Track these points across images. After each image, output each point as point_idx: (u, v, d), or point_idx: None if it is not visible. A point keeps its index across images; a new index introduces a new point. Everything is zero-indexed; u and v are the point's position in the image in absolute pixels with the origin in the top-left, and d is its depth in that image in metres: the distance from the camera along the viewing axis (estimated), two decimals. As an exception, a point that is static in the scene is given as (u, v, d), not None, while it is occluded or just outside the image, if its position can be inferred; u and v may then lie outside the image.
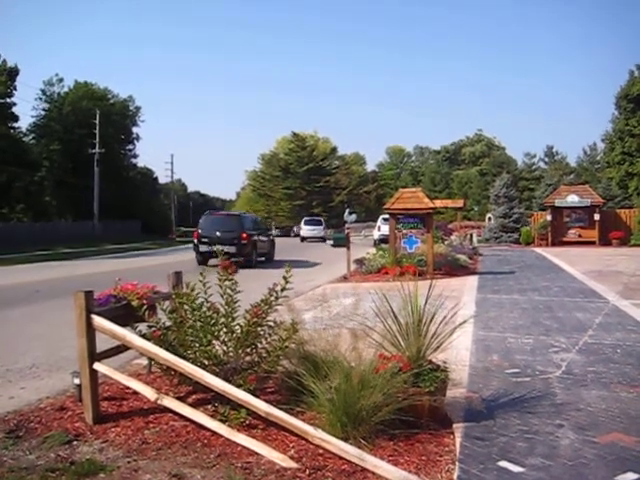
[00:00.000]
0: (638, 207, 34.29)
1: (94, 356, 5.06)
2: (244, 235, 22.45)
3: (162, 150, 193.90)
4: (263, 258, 24.86)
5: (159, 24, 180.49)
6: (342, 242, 24.58)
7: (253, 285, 6.33)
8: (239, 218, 24.40)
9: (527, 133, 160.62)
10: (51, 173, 56.32)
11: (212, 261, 21.01)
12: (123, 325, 5.14)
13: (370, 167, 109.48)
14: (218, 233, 22.19)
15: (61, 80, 62.41)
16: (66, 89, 62.44)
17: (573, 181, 44.21)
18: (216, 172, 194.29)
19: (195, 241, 23.20)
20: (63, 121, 58.08)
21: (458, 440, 4.50)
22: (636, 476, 3.86)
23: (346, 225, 20.61)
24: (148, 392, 5.01)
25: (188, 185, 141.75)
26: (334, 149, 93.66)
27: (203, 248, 22.25)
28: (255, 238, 23.60)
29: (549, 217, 33.57)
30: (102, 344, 5.25)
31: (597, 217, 32.19)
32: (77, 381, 5.26)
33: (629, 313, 10.14)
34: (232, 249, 20.91)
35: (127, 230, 57.06)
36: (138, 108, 68.86)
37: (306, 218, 54.36)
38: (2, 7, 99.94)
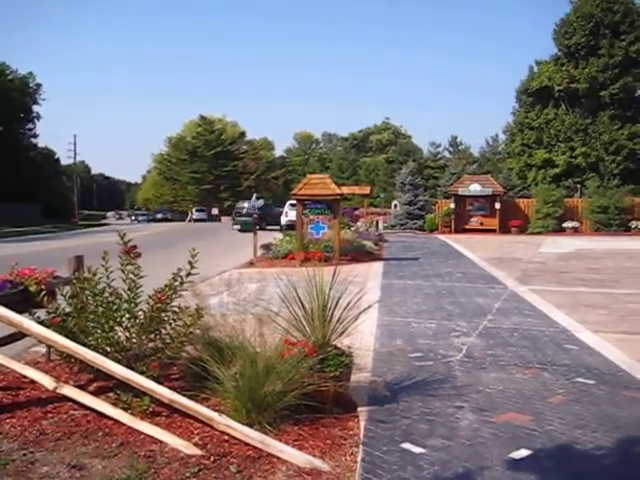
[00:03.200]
0: (535, 197, 35.71)
1: (-13, 344, 4.83)
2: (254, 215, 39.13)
3: (65, 131, 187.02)
4: (272, 226, 38.84)
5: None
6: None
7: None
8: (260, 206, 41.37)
9: (432, 122, 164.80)
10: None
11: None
12: (20, 312, 4.93)
13: (278, 153, 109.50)
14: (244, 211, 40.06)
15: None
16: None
17: (476, 171, 45.44)
18: (122, 155, 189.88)
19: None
20: (-46, 96, 54.92)
21: (362, 424, 4.57)
22: (529, 452, 4.03)
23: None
24: (46, 381, 4.82)
25: (92, 167, 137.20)
26: (242, 133, 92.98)
27: (238, 220, 40.17)
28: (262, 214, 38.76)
29: (453, 205, 34.55)
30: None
31: (498, 206, 33.37)
32: (-32, 370, 5.01)
33: (526, 298, 10.56)
34: (250, 219, 36.40)
35: (26, 213, 54.70)
36: (39, 85, 65.59)
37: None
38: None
